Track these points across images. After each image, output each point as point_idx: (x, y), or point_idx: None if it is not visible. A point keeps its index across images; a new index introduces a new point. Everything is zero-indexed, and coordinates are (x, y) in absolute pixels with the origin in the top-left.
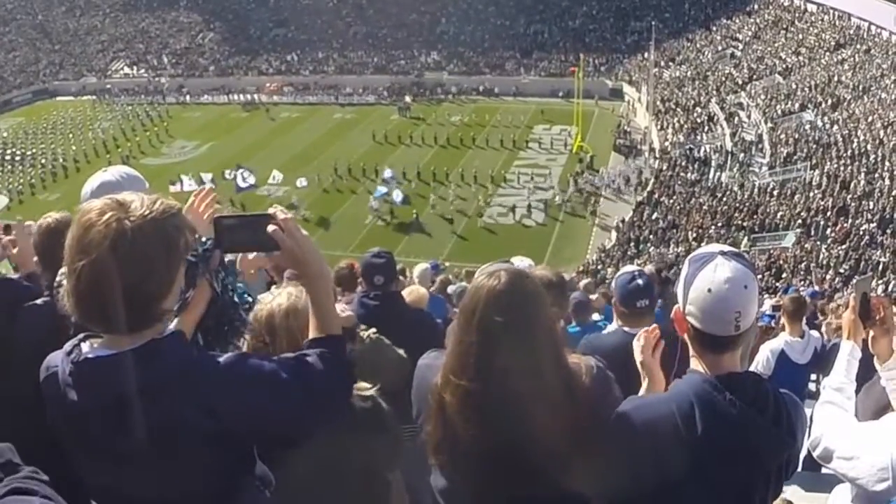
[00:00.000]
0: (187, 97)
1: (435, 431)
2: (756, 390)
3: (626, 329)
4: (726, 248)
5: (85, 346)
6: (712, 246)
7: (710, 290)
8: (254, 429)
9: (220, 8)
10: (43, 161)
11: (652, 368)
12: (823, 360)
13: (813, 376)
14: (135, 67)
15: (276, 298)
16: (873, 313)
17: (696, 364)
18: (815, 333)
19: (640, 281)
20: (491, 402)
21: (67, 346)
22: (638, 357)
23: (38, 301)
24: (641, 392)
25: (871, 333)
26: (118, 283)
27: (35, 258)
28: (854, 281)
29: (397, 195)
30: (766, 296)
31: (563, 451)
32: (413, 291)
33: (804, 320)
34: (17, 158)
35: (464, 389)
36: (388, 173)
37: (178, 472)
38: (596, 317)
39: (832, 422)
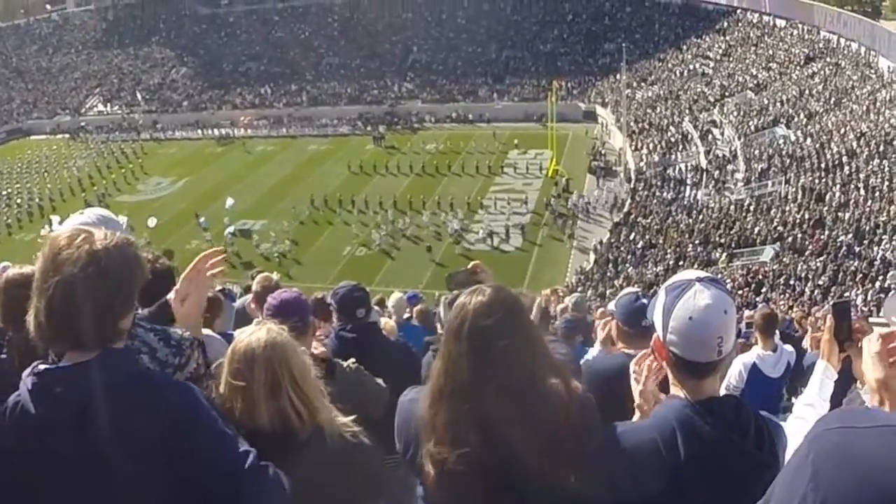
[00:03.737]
0: (162, 133)
1: (430, 461)
2: (737, 414)
3: (626, 351)
4: (702, 274)
5: (42, 366)
6: (687, 273)
7: (691, 318)
8: (199, 444)
9: (193, 43)
10: (18, 201)
11: (650, 399)
12: (797, 375)
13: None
14: (108, 104)
15: (256, 333)
16: (855, 337)
17: (676, 390)
18: (788, 347)
19: (644, 300)
20: (485, 414)
21: (27, 370)
22: (638, 386)
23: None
24: (635, 419)
25: (852, 356)
26: (89, 299)
27: None
28: (831, 302)
29: (228, 228)
30: (744, 311)
31: (556, 465)
32: (384, 325)
33: (777, 334)
34: None
35: (455, 405)
36: (228, 202)
37: (140, 484)
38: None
39: (800, 437)
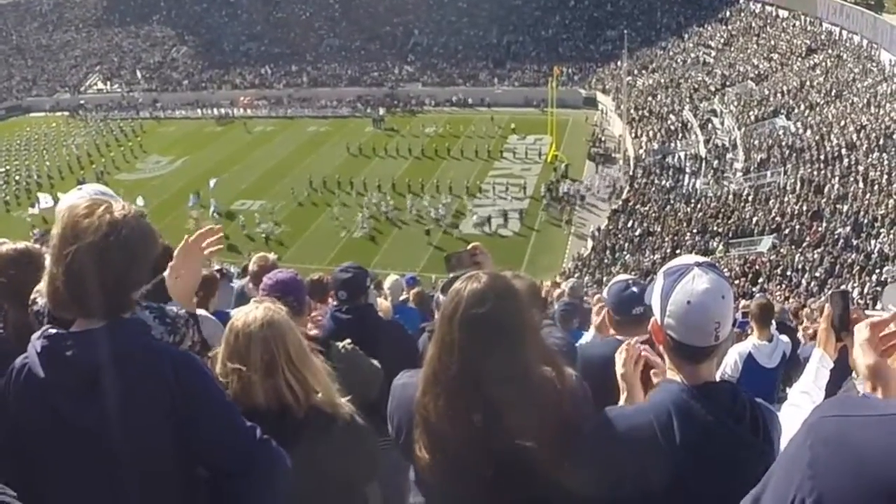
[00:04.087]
0: (161, 112)
1: (423, 446)
2: (733, 399)
3: (619, 338)
4: (700, 259)
5: (52, 330)
6: (686, 258)
7: (689, 302)
8: (207, 413)
9: (193, 22)
10: (17, 178)
11: (632, 382)
12: (793, 365)
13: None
14: (108, 82)
15: (253, 311)
16: (853, 327)
17: (672, 374)
18: (784, 338)
19: (634, 289)
20: (478, 401)
21: (36, 334)
22: (619, 369)
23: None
24: (620, 404)
25: (848, 345)
26: (107, 268)
27: None
28: (830, 291)
29: (211, 208)
30: (741, 301)
31: (550, 451)
32: (380, 306)
33: (772, 324)
34: None
35: (448, 392)
36: (211, 182)
37: (146, 451)
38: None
39: (794, 424)
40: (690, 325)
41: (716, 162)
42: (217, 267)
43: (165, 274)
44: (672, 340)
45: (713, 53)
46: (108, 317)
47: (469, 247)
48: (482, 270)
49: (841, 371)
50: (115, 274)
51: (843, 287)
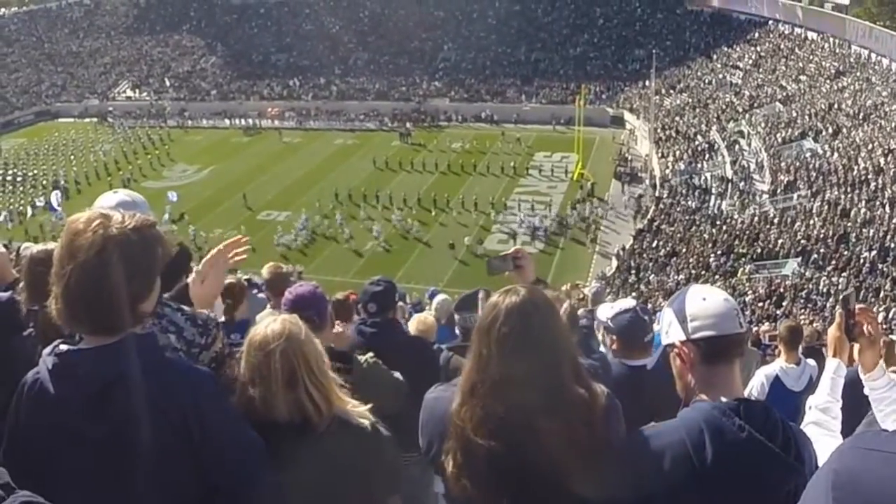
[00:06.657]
0: (189, 121)
1: (455, 457)
2: (765, 417)
3: (624, 361)
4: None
5: (63, 347)
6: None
7: (705, 299)
8: (214, 435)
9: (223, 32)
10: (44, 182)
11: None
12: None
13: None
14: (137, 90)
15: (271, 325)
16: (858, 325)
17: (703, 395)
18: (811, 361)
19: (645, 316)
20: (511, 415)
21: (47, 349)
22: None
23: (29, 332)
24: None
25: (857, 346)
26: (104, 284)
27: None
28: (840, 296)
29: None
30: (765, 324)
31: (580, 467)
32: (423, 320)
33: (800, 348)
34: (19, 179)
35: (483, 405)
36: (172, 196)
37: (156, 467)
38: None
39: (819, 445)
40: (717, 314)
41: (742, 183)
42: (246, 277)
43: (189, 279)
44: (705, 344)
45: (741, 74)
46: (117, 332)
47: (511, 250)
48: (520, 285)
49: (856, 380)
50: (113, 290)
51: (848, 291)
